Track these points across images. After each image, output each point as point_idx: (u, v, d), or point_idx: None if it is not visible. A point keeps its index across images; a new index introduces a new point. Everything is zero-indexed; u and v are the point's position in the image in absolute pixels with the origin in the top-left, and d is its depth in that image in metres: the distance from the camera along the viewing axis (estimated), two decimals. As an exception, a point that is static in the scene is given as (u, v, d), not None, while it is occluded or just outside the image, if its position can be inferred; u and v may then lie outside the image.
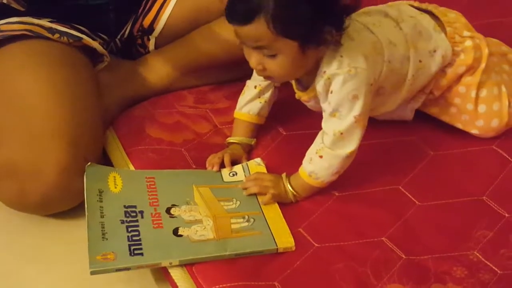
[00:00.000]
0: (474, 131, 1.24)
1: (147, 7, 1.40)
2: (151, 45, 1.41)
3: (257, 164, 1.21)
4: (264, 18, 1.01)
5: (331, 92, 1.08)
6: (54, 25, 1.27)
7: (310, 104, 1.19)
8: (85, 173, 1.16)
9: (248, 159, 1.23)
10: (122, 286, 1.12)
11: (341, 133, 1.09)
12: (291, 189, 1.14)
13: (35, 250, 1.21)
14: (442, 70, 1.19)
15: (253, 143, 1.25)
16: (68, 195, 1.20)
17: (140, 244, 1.06)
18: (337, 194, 1.16)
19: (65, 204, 1.22)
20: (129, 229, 1.08)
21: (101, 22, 1.34)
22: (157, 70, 1.39)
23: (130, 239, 1.07)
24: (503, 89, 1.22)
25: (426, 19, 1.19)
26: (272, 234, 1.08)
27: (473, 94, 1.20)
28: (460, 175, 1.19)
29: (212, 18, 1.37)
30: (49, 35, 1.26)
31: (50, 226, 1.24)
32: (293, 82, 1.18)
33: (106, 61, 1.35)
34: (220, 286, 1.02)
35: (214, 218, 1.11)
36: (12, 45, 1.24)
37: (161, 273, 1.10)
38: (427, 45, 1.17)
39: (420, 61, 1.16)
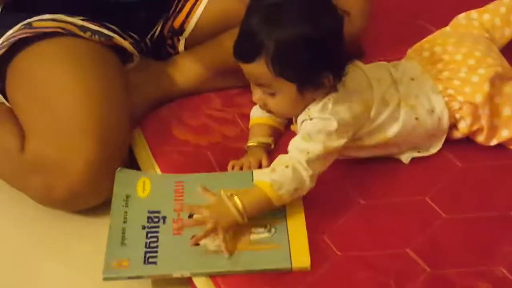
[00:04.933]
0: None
1: (178, 8, 1.40)
2: (181, 46, 1.42)
3: None
4: (264, 59, 1.05)
5: (304, 122, 1.10)
6: (86, 24, 1.28)
7: None
8: (115, 178, 1.16)
9: (269, 160, 1.20)
10: (144, 286, 1.11)
11: (308, 152, 1.07)
12: (239, 205, 1.04)
13: (59, 246, 1.23)
14: (454, 125, 1.20)
15: (270, 141, 1.24)
16: (95, 192, 1.20)
17: (156, 252, 1.06)
18: (362, 202, 1.16)
19: (92, 201, 1.23)
20: (149, 235, 1.08)
21: (132, 21, 1.35)
22: (186, 71, 1.39)
23: (148, 246, 1.07)
24: None
25: (429, 83, 1.19)
26: (289, 250, 1.06)
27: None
28: (487, 189, 1.17)
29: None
30: (81, 33, 1.27)
31: (76, 223, 1.25)
32: None
33: (136, 61, 1.36)
34: (242, 292, 1.02)
35: None
36: (44, 42, 1.25)
37: (184, 277, 1.10)
38: (425, 104, 1.17)
39: (416, 118, 1.17)
